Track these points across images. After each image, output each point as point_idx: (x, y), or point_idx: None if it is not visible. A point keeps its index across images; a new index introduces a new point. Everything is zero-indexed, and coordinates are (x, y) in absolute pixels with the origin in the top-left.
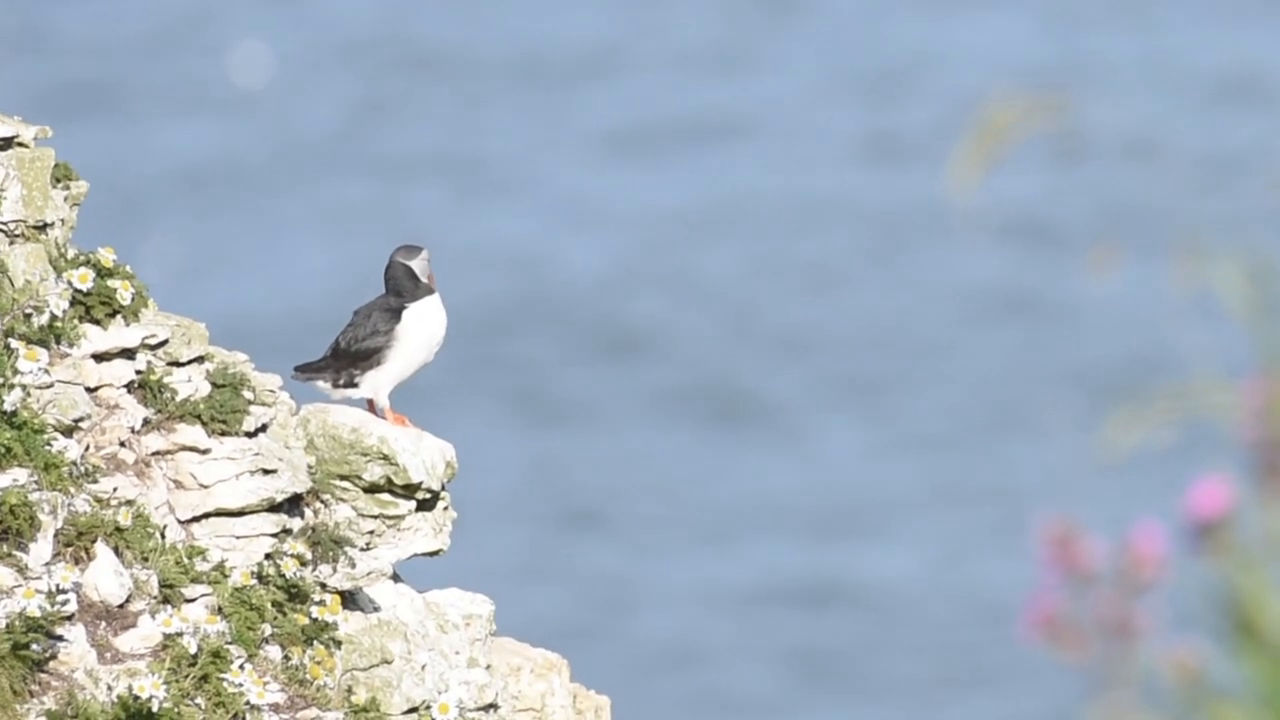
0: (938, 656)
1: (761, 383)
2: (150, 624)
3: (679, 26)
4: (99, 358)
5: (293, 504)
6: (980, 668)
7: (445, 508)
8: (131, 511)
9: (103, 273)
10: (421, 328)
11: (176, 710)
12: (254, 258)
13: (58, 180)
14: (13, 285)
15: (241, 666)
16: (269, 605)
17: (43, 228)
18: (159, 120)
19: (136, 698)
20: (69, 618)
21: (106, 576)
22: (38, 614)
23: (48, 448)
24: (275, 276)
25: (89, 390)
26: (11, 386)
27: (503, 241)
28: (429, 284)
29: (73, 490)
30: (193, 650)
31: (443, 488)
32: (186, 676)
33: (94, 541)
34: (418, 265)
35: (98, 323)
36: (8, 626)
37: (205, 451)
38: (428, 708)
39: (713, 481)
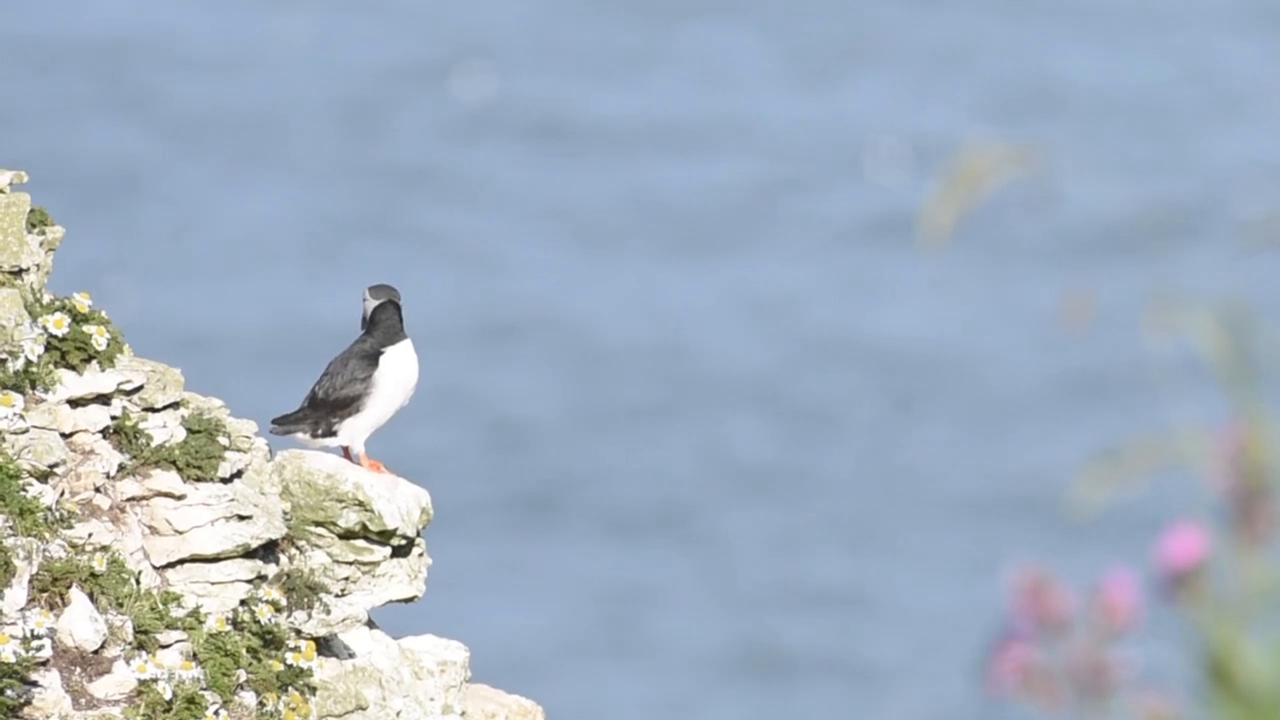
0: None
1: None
2: (125, 670)
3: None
4: (74, 403)
5: (268, 550)
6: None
7: (420, 554)
8: (106, 557)
9: (78, 318)
10: (398, 372)
11: None
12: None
13: (33, 225)
14: None
15: (216, 713)
16: (244, 651)
17: (18, 273)
18: None
19: None
20: (44, 663)
21: (81, 622)
22: (12, 660)
23: (23, 493)
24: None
25: (64, 436)
26: None
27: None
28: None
29: (48, 536)
30: (168, 696)
31: (418, 534)
32: None
33: (69, 587)
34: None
35: (73, 368)
36: None
37: (180, 497)
38: None
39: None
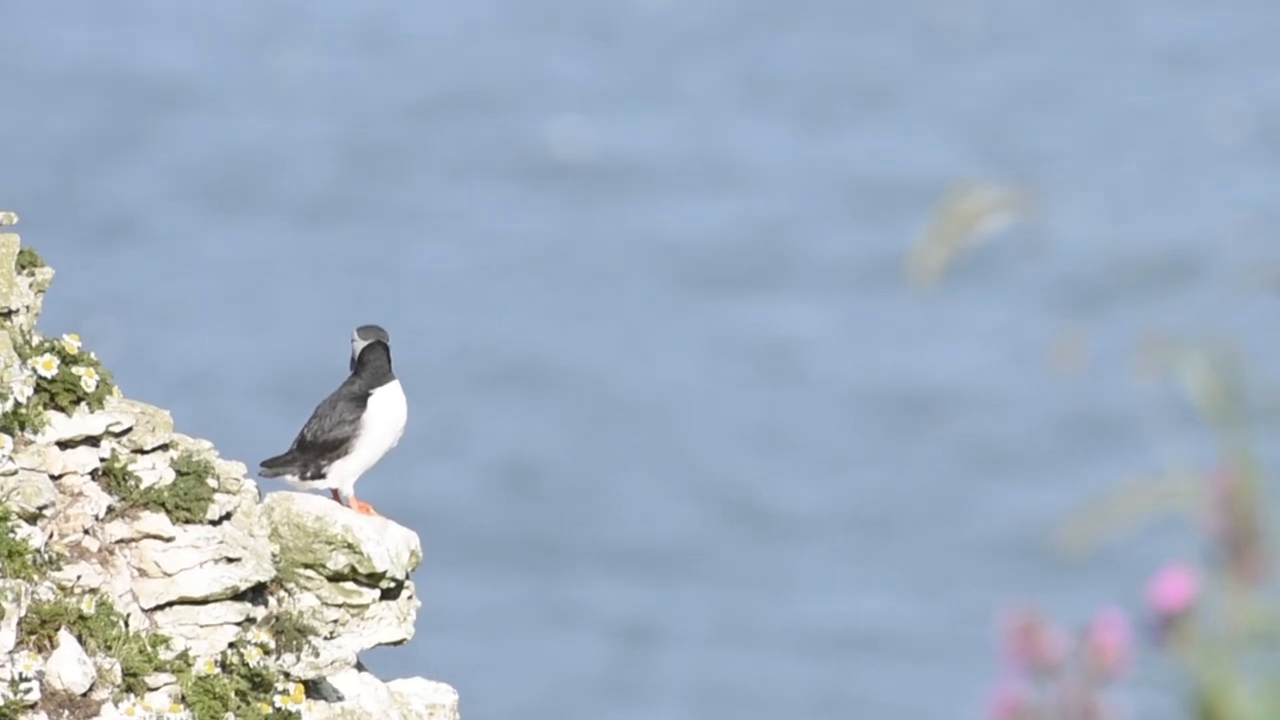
0: None
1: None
2: (113, 713)
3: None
4: (63, 445)
5: (257, 592)
6: None
7: (409, 596)
8: (95, 600)
9: (67, 360)
10: (387, 414)
11: None
12: None
13: (23, 267)
14: None
15: None
16: (232, 694)
17: (7, 314)
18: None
19: None
20: (32, 706)
21: (70, 665)
22: (0, 702)
23: (11, 535)
24: None
25: (53, 477)
26: None
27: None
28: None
29: (36, 578)
30: None
31: (407, 576)
32: None
33: (57, 630)
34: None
35: (62, 410)
36: None
37: (169, 539)
38: None
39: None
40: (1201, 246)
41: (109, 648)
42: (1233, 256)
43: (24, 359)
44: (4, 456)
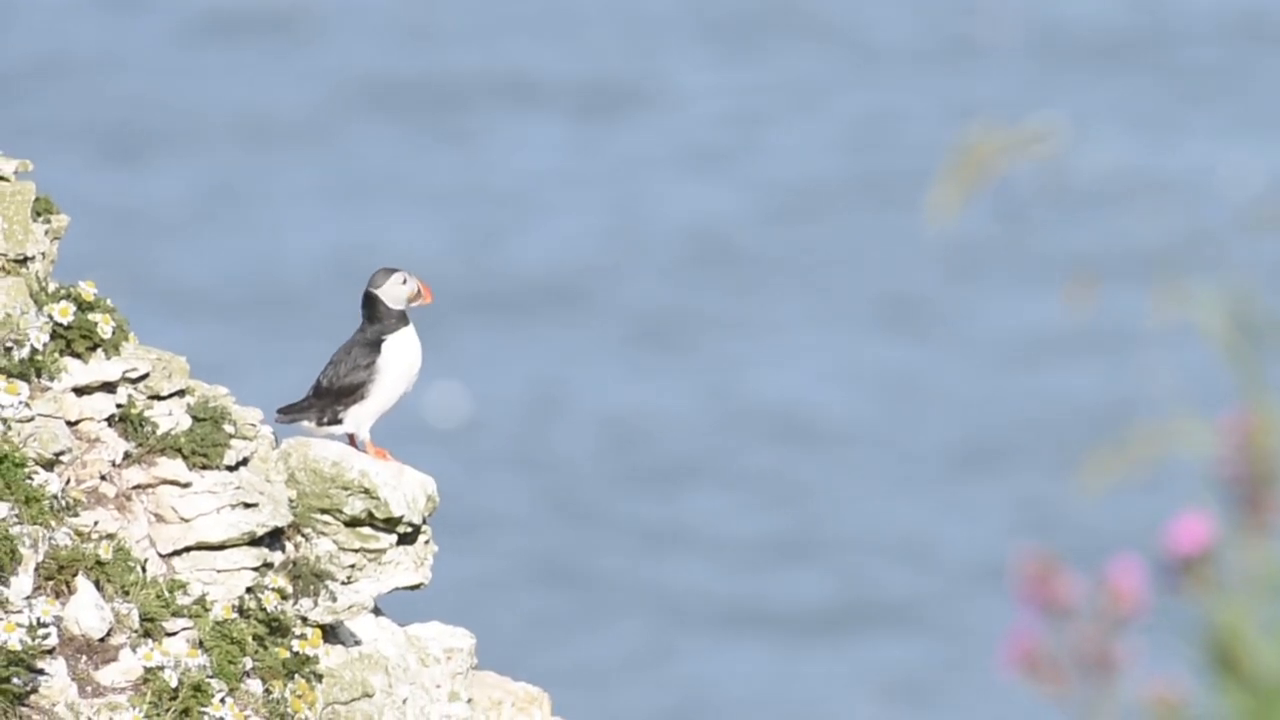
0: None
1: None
2: (131, 658)
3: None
4: (80, 391)
5: (274, 538)
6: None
7: (426, 541)
8: (112, 545)
9: (84, 306)
10: (401, 359)
11: None
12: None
13: (38, 214)
14: None
15: (222, 700)
16: (250, 639)
17: (23, 261)
18: None
19: None
20: (50, 651)
21: (87, 610)
22: (18, 648)
23: (28, 481)
24: None
25: (70, 424)
26: None
27: None
28: (415, 302)
29: (53, 524)
30: (174, 684)
31: (424, 521)
32: (167, 710)
33: (75, 575)
34: (395, 290)
35: (78, 356)
36: None
37: (186, 485)
38: None
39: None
40: (1210, 185)
41: (126, 593)
42: (1236, 195)
43: (40, 306)
44: (21, 403)
